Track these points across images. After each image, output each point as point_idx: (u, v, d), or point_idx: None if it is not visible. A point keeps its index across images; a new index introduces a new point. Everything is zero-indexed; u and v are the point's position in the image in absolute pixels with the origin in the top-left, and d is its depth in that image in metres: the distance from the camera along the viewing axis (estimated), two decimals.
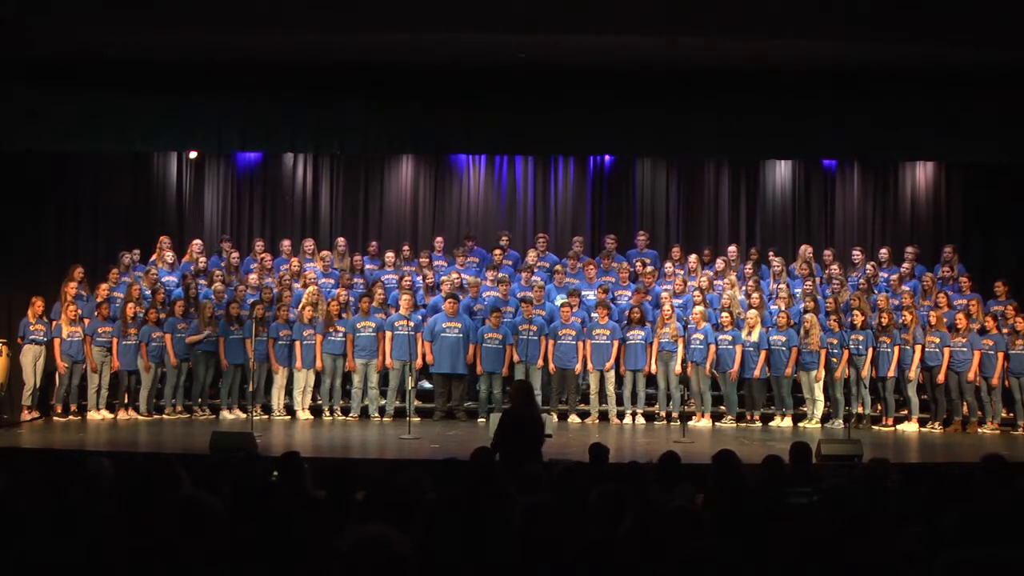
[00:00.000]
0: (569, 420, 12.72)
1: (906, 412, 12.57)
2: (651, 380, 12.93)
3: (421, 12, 11.06)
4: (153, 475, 4.62)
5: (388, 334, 12.62)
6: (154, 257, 13.87)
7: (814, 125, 12.72)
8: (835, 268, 13.61)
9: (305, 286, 13.20)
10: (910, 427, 12.42)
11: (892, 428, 12.44)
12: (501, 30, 11.34)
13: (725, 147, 13.31)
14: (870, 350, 12.39)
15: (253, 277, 13.42)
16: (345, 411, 12.81)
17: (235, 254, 14.14)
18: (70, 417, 12.37)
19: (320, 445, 10.75)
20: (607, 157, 15.40)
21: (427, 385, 13.17)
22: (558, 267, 13.83)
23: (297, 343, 12.61)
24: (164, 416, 12.56)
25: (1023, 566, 2.37)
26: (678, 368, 12.60)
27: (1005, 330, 12.50)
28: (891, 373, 12.45)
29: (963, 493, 4.84)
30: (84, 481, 5.04)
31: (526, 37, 11.51)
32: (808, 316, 12.59)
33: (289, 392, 12.78)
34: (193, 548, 3.40)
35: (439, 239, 14.58)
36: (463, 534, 3.87)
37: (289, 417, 12.64)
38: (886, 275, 13.67)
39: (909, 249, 13.88)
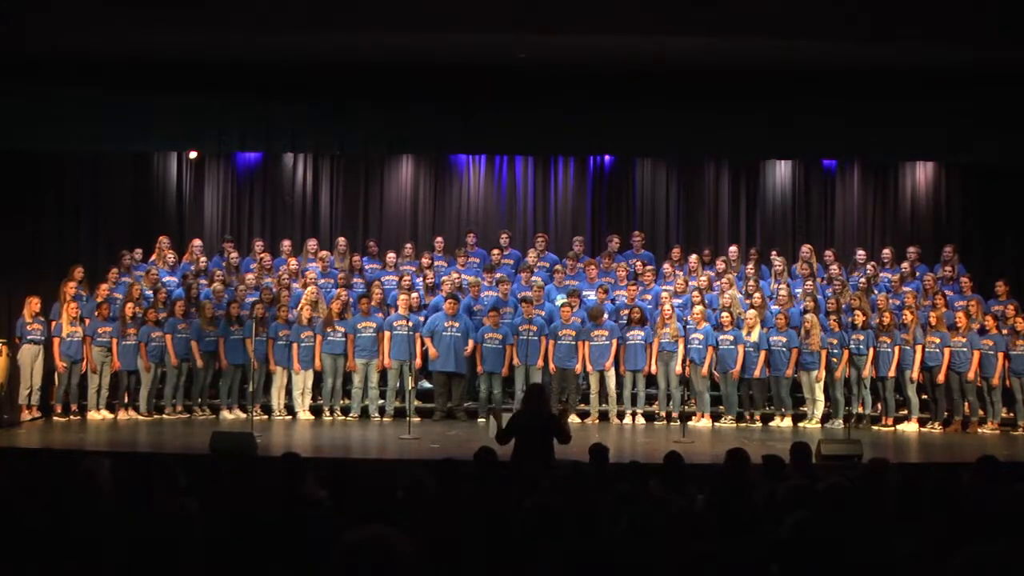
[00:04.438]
0: (569, 420, 12.70)
1: (906, 412, 12.57)
2: (651, 380, 12.93)
3: (421, 12, 11.06)
4: (151, 476, 4.62)
5: (387, 334, 12.63)
6: (154, 257, 13.87)
7: (814, 125, 12.73)
8: (835, 268, 13.61)
9: (305, 286, 13.20)
10: (910, 427, 12.42)
11: (892, 428, 12.44)
12: (501, 30, 11.34)
13: (725, 147, 13.32)
14: (871, 350, 12.40)
15: (251, 277, 13.42)
16: (345, 411, 12.80)
17: (235, 254, 14.14)
18: (70, 417, 12.36)
19: (320, 445, 10.75)
20: (607, 157, 15.38)
21: (427, 385, 13.16)
22: (558, 267, 13.81)
23: (295, 344, 12.61)
24: (164, 416, 12.55)
25: None
26: (679, 368, 12.59)
27: (1005, 331, 12.50)
28: (891, 373, 12.45)
29: (959, 493, 4.83)
30: (82, 481, 5.03)
31: (526, 37, 11.51)
32: (808, 316, 12.59)
33: (289, 392, 12.78)
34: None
35: (439, 239, 14.56)
36: (463, 534, 3.87)
37: (289, 417, 12.64)
38: (887, 275, 13.67)
39: (911, 249, 13.87)
